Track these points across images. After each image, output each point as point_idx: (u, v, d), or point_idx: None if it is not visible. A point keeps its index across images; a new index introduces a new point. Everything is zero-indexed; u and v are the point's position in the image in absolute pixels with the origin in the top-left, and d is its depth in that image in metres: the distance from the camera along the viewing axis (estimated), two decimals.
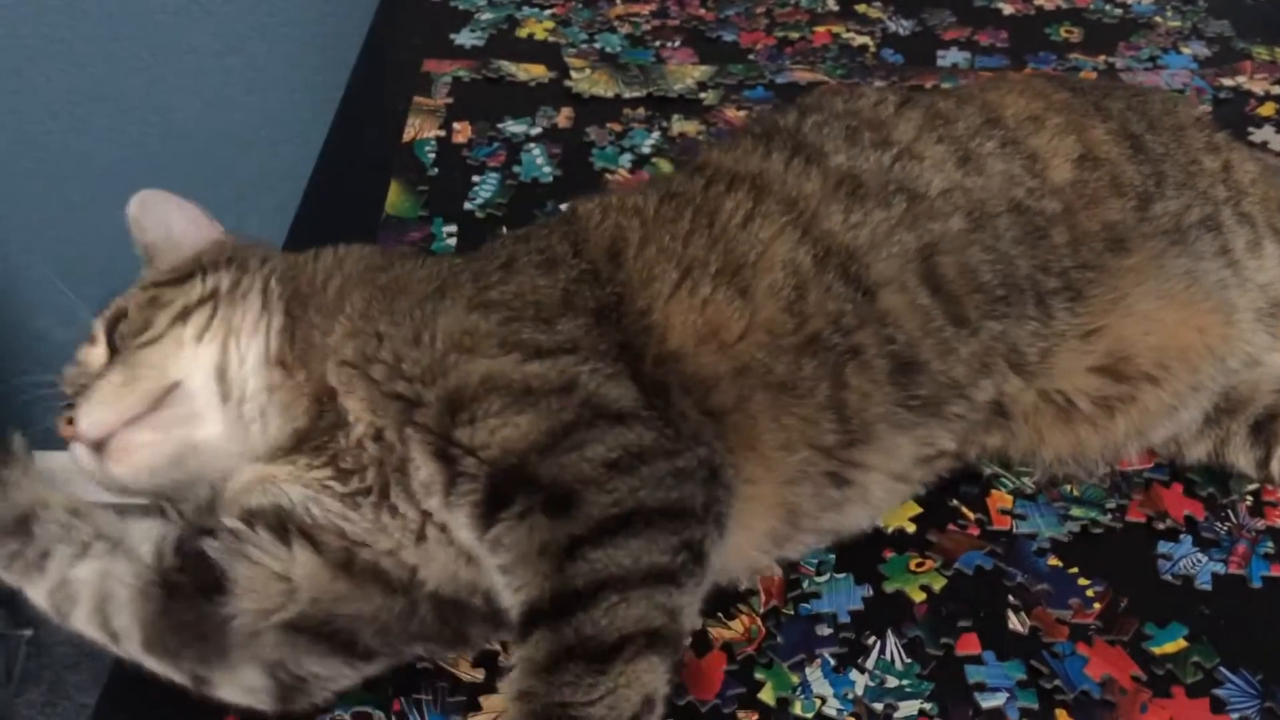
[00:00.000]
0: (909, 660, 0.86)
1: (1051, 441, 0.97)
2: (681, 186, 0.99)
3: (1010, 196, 0.98)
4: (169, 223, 1.00)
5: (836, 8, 1.67)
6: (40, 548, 0.83)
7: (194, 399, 0.87)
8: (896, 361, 0.90)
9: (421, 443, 0.81)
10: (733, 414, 0.86)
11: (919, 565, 0.93)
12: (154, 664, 0.82)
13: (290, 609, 0.82)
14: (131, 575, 0.82)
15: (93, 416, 0.85)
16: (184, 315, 0.90)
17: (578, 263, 0.91)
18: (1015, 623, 0.89)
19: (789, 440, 0.87)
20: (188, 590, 0.82)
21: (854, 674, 0.85)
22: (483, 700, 0.83)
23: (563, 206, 1.28)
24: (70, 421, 0.86)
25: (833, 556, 0.94)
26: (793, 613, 0.90)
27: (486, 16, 1.64)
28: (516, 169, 1.36)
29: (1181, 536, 0.96)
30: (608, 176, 1.34)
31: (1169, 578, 0.93)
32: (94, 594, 0.82)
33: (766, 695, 0.84)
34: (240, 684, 0.82)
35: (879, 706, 0.83)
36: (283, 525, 0.83)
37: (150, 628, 0.82)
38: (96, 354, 0.92)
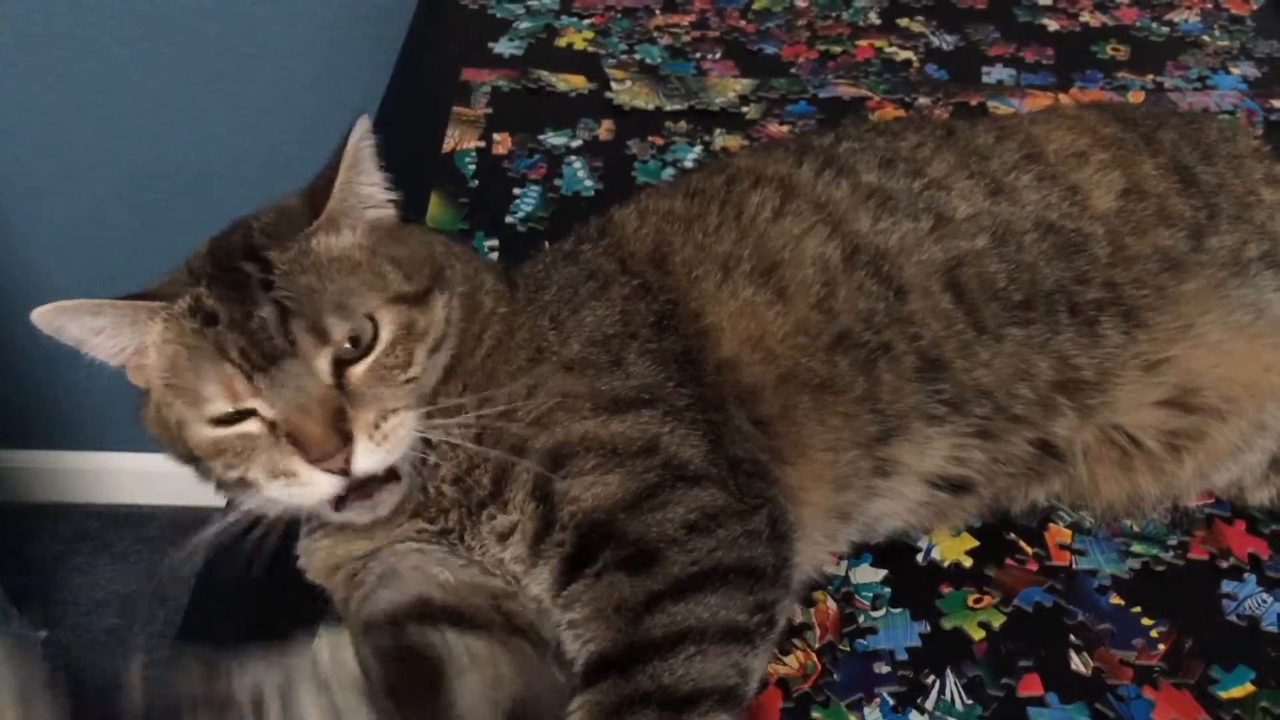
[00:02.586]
0: (970, 701, 0.84)
1: (1107, 491, 0.96)
2: (702, 184, 1.02)
3: (1040, 217, 0.97)
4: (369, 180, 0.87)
5: (879, 21, 1.64)
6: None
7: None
8: (923, 359, 0.92)
9: (526, 483, 0.82)
10: (780, 421, 0.88)
11: (977, 601, 0.91)
12: None
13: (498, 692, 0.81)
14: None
15: (373, 460, 0.79)
16: (437, 347, 0.85)
17: (628, 280, 0.92)
18: (1078, 663, 0.87)
19: (836, 440, 0.89)
20: (412, 691, 0.78)
21: (914, 715, 0.83)
22: None
23: None
24: (340, 458, 0.78)
25: (888, 590, 0.92)
26: (849, 649, 0.88)
27: (525, 25, 1.62)
28: (558, 182, 1.34)
29: (1245, 575, 0.93)
30: None
31: (1234, 618, 0.90)
32: None
33: None
34: None
35: None
36: (432, 618, 0.82)
37: None
38: (324, 360, 0.80)
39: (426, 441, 0.83)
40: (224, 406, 0.80)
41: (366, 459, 0.78)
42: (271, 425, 0.79)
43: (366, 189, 0.86)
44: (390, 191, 0.88)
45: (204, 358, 0.80)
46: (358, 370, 0.81)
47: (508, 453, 0.82)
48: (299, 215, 0.84)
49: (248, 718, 0.72)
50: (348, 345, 0.81)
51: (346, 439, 0.78)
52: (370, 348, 0.81)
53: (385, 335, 0.82)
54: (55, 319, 0.84)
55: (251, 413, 0.80)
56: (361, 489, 0.81)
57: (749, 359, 0.89)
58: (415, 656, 0.79)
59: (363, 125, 0.84)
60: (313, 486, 0.79)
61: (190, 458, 0.84)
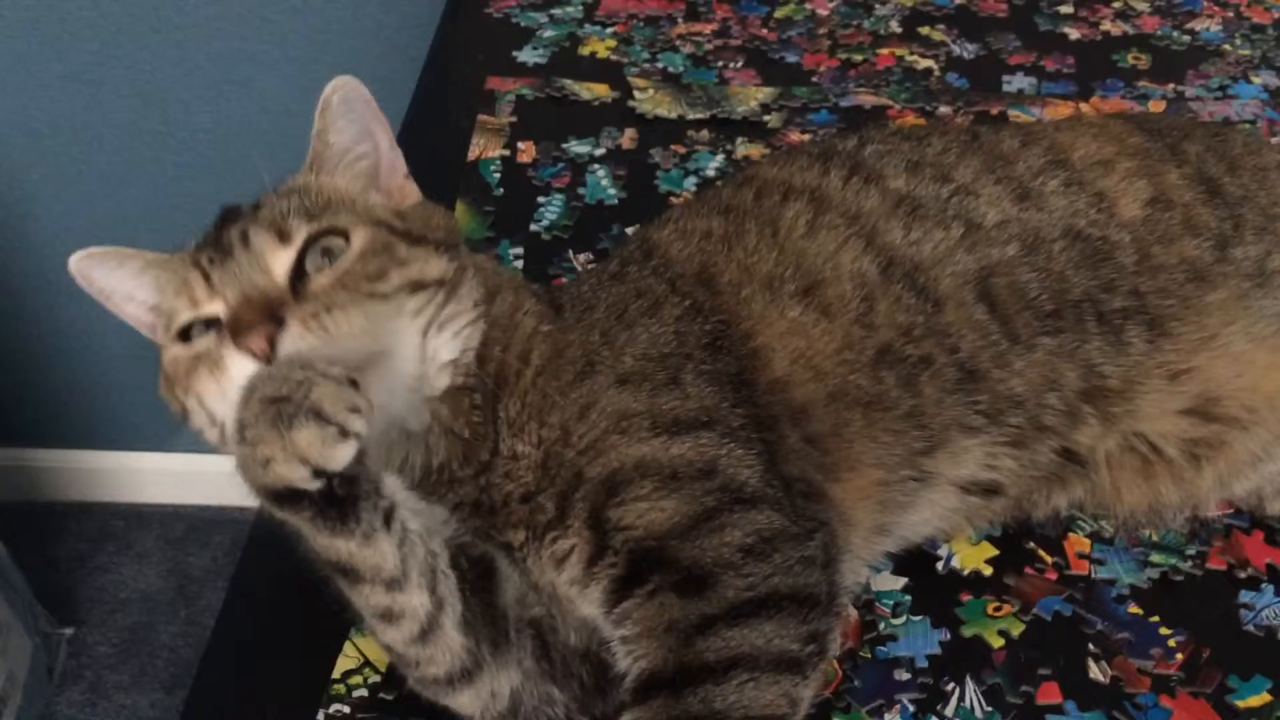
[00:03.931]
0: (990, 708, 0.85)
1: (1129, 498, 0.97)
2: (734, 199, 1.01)
3: (1068, 225, 0.98)
4: (373, 135, 0.90)
5: (900, 30, 1.65)
6: (388, 501, 0.77)
7: (393, 377, 0.81)
8: (961, 370, 0.92)
9: (581, 512, 0.82)
10: (831, 438, 0.88)
11: (996, 609, 0.92)
12: (457, 643, 0.80)
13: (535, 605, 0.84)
14: (440, 544, 0.81)
15: (301, 345, 0.75)
16: (416, 288, 0.82)
17: (679, 300, 0.92)
18: (1096, 672, 0.88)
19: (887, 456, 0.90)
20: (469, 574, 0.82)
21: None
22: None
23: (629, 230, 1.28)
24: (261, 336, 0.75)
25: (909, 598, 0.93)
26: (870, 656, 0.89)
27: (548, 34, 1.63)
28: (581, 190, 1.35)
29: (1263, 586, 0.94)
30: (672, 199, 1.34)
31: (1251, 628, 0.91)
32: (426, 553, 0.79)
33: None
34: (497, 685, 0.83)
35: None
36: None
37: (464, 601, 0.81)
38: (280, 259, 0.80)
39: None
40: (186, 315, 0.81)
41: (293, 343, 0.75)
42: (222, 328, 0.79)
43: (340, 139, 0.88)
44: (386, 150, 0.91)
45: (181, 276, 0.82)
46: (321, 278, 0.79)
47: (569, 480, 0.82)
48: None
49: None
50: (322, 258, 0.80)
51: (278, 323, 0.75)
52: (341, 259, 0.81)
53: (357, 246, 0.81)
54: (85, 266, 0.85)
55: (215, 323, 0.80)
56: None
57: (799, 378, 0.89)
58: (475, 548, 0.83)
59: (332, 83, 0.87)
60: (232, 374, 0.76)
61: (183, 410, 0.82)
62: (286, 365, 0.72)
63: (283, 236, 0.81)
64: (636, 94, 1.51)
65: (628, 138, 1.44)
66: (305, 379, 0.70)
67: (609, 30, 1.65)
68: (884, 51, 1.60)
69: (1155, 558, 0.96)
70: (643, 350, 0.88)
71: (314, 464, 0.69)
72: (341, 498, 0.73)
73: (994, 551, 0.97)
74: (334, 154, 0.88)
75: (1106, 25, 1.65)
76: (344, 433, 0.69)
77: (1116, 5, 1.68)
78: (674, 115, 1.47)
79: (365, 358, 0.77)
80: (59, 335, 2.39)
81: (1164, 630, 0.91)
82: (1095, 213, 0.99)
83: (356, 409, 0.70)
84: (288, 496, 0.71)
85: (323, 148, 0.88)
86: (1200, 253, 0.98)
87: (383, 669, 0.89)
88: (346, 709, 0.87)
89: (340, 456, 0.70)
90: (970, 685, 0.87)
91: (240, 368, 0.75)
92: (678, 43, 1.62)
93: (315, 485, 0.71)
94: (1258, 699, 0.86)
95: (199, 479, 2.47)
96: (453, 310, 0.84)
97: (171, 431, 0.84)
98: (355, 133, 0.89)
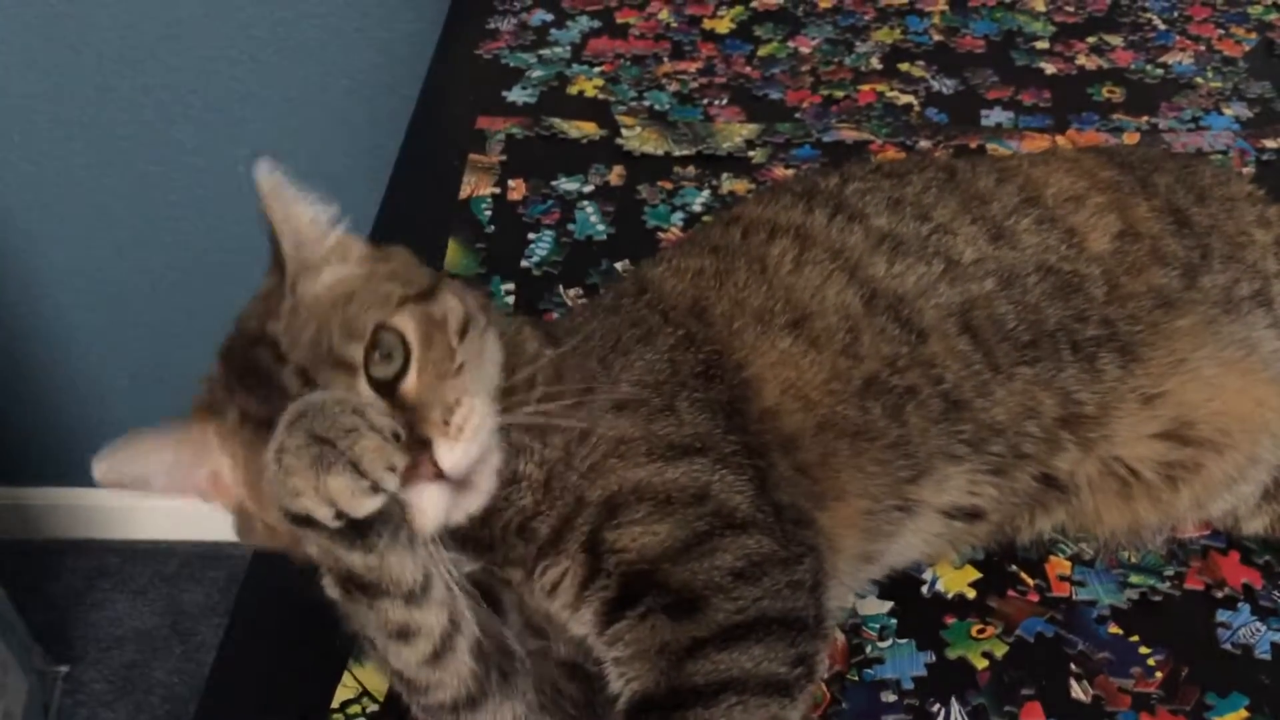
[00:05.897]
0: None
1: (1109, 520, 0.99)
2: (721, 239, 1.04)
3: (1041, 260, 1.01)
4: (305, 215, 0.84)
5: (880, 66, 1.69)
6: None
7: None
8: (946, 400, 0.95)
9: (580, 535, 0.84)
10: (819, 468, 0.91)
11: (980, 631, 0.95)
12: (466, 669, 0.81)
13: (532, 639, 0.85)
14: (458, 567, 0.81)
15: (457, 452, 0.76)
16: (463, 329, 0.82)
17: (672, 330, 0.94)
18: (1078, 691, 0.90)
19: (874, 487, 0.92)
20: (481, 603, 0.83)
21: None
22: None
23: (618, 265, 1.31)
24: (409, 466, 0.73)
25: (894, 622, 0.96)
26: (857, 678, 0.91)
27: (537, 74, 1.67)
28: (571, 226, 1.38)
29: (1240, 605, 0.97)
30: (660, 234, 1.37)
31: (1229, 646, 0.94)
32: (448, 572, 0.79)
33: None
34: (500, 717, 0.84)
35: None
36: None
37: (480, 626, 0.82)
38: (361, 390, 0.76)
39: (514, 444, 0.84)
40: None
41: (450, 454, 0.76)
42: None
43: (304, 220, 0.82)
44: (331, 210, 0.85)
45: None
46: (409, 381, 0.77)
47: (570, 504, 0.84)
48: (274, 284, 0.82)
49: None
50: (382, 366, 0.77)
51: (423, 445, 0.75)
52: (406, 355, 0.78)
53: (412, 334, 0.78)
54: (115, 468, 0.81)
55: None
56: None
57: (789, 407, 0.92)
58: (482, 581, 0.84)
59: (262, 166, 0.82)
60: (422, 511, 0.76)
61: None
62: (340, 404, 0.71)
63: (348, 368, 0.77)
64: (624, 132, 1.54)
65: (616, 174, 1.47)
66: (354, 427, 0.70)
67: (596, 70, 1.68)
68: (865, 88, 1.64)
69: (1134, 579, 0.99)
70: (638, 377, 0.90)
71: (340, 509, 0.70)
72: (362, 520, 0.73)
73: (977, 575, 0.99)
74: (306, 241, 0.82)
75: (1081, 60, 1.68)
76: (376, 488, 0.70)
77: (1091, 40, 1.72)
78: (660, 152, 1.50)
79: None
80: (55, 373, 2.41)
81: (1143, 649, 0.93)
82: (1066, 248, 1.02)
83: (393, 468, 0.71)
84: (307, 520, 0.72)
85: (295, 237, 0.82)
86: (1168, 281, 1.01)
87: (381, 698, 0.91)
88: None
89: (367, 507, 0.70)
90: (956, 706, 0.89)
91: (428, 500, 0.77)
92: (664, 81, 1.65)
93: (337, 524, 0.71)
94: (1235, 715, 0.88)
95: (193, 515, 2.47)
96: (484, 339, 0.85)
97: None
98: (310, 209, 0.83)
